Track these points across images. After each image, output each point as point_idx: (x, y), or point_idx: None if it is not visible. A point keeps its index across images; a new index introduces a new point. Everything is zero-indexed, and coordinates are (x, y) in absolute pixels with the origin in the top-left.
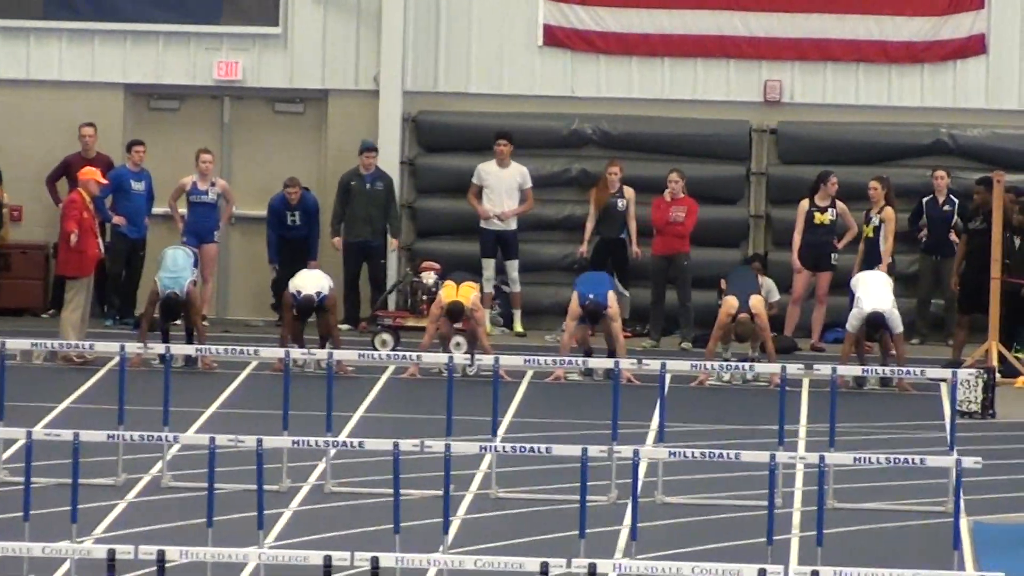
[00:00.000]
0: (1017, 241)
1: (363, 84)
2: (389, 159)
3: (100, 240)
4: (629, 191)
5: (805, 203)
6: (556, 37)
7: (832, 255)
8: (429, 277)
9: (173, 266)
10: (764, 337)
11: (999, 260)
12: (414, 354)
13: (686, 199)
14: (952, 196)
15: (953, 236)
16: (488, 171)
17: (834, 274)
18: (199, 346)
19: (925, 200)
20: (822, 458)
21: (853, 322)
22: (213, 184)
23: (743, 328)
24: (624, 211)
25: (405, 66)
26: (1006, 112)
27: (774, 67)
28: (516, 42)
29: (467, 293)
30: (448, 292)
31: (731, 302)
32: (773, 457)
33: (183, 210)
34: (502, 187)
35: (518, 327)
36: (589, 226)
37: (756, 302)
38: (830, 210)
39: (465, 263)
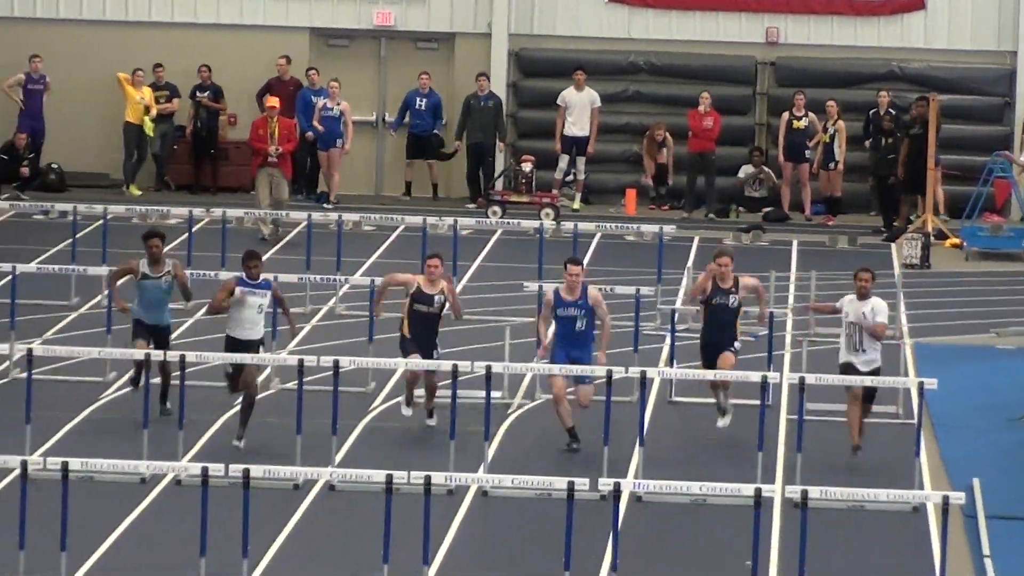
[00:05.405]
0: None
1: (480, 28)
2: (499, 83)
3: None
4: (669, 139)
5: (786, 114)
6: None
7: (806, 152)
8: (527, 165)
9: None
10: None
11: (934, 155)
12: (516, 221)
13: (712, 112)
14: (890, 109)
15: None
16: (569, 95)
17: (810, 165)
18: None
19: (871, 112)
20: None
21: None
22: (339, 103)
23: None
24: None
25: (510, 15)
26: (939, 51)
27: (774, 18)
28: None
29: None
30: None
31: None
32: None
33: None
34: (578, 106)
35: (576, 205)
36: (648, 164)
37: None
38: (804, 118)
39: (551, 156)
